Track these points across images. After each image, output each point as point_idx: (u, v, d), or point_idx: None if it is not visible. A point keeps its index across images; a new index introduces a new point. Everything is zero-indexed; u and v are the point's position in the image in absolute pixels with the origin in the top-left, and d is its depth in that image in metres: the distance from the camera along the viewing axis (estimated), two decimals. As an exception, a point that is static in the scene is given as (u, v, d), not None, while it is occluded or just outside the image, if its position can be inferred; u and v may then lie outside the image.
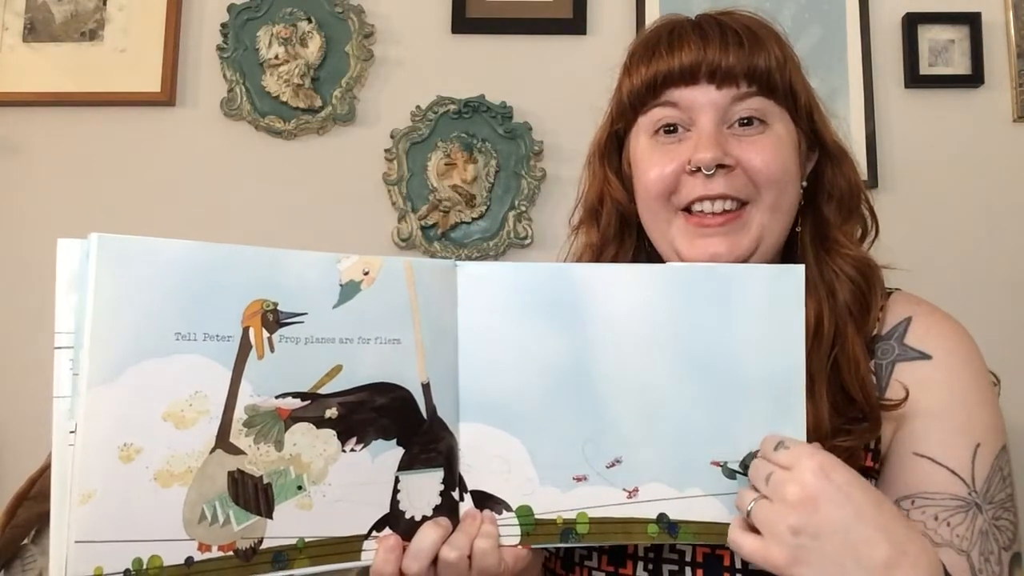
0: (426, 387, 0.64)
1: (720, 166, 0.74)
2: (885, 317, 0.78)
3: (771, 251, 0.78)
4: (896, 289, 0.82)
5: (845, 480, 0.57)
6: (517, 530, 0.65)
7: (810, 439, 0.68)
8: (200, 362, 0.55)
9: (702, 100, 0.75)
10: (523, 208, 1.60)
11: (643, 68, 0.78)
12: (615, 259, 0.83)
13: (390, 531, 0.62)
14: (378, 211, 1.62)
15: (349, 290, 0.61)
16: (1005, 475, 0.72)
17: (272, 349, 0.58)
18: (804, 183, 0.81)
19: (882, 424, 0.72)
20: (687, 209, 0.76)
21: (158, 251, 0.55)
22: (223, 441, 0.56)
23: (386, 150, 1.62)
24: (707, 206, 0.75)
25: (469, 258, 1.58)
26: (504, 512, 0.65)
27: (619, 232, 0.84)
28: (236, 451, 0.57)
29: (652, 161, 0.77)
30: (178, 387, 0.55)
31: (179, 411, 0.55)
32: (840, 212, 0.81)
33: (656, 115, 0.78)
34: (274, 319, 0.58)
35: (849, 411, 0.72)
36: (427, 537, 0.62)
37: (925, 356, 0.74)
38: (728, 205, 0.75)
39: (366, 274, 0.62)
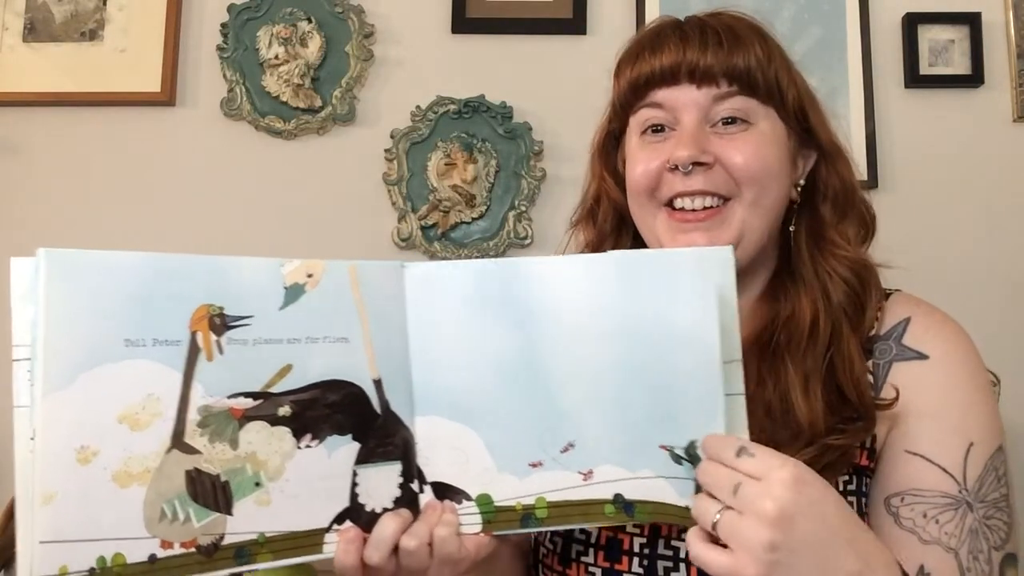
0: (378, 383, 0.65)
1: (699, 164, 0.76)
2: (884, 317, 0.78)
3: (754, 247, 0.78)
4: (896, 290, 0.82)
5: (819, 494, 0.56)
6: (478, 518, 0.66)
7: (804, 437, 0.70)
8: (151, 367, 0.57)
9: (684, 100, 0.77)
10: (523, 208, 1.60)
11: (628, 71, 0.81)
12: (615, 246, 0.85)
13: (351, 524, 0.64)
14: (378, 211, 1.62)
15: (294, 292, 0.63)
16: (1000, 475, 0.72)
17: (221, 351, 0.60)
18: (802, 182, 0.82)
19: (876, 423, 0.73)
20: (670, 204, 0.78)
21: (105, 263, 0.57)
22: (179, 441, 0.58)
23: (386, 150, 1.62)
24: (687, 202, 0.77)
25: (470, 258, 1.58)
26: (464, 501, 0.66)
27: (615, 228, 0.87)
28: (192, 451, 0.59)
29: (638, 159, 0.80)
30: (131, 391, 0.57)
31: (133, 414, 0.57)
32: (835, 211, 0.81)
33: (643, 116, 0.80)
34: (221, 323, 0.60)
35: (844, 410, 0.72)
36: (387, 527, 0.63)
37: (922, 356, 0.75)
38: (708, 201, 0.76)
39: (310, 276, 0.64)
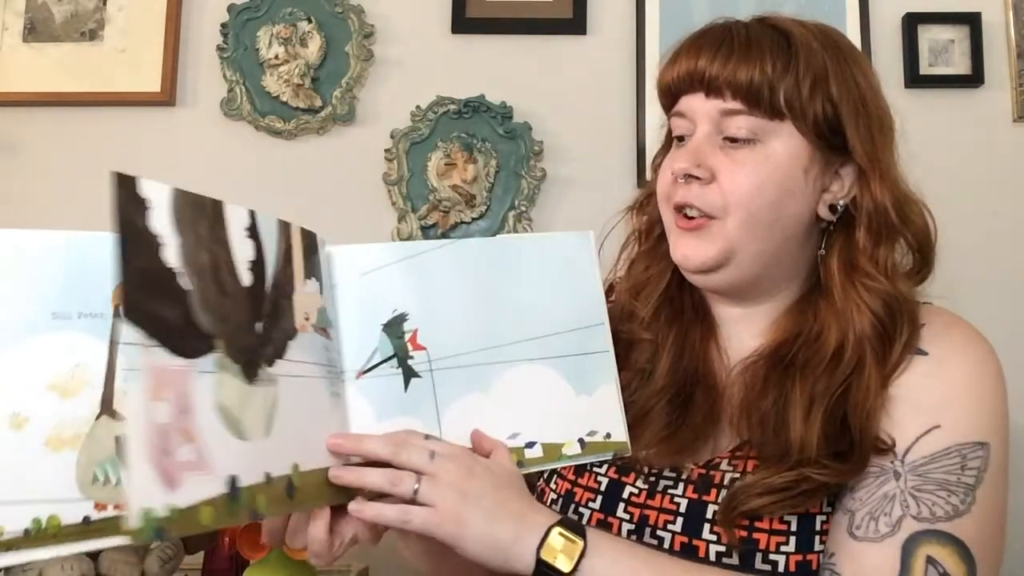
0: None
1: (694, 177, 0.76)
2: None
3: (754, 265, 0.77)
4: (927, 302, 0.79)
5: (484, 460, 0.71)
6: None
7: (791, 459, 0.69)
8: (79, 338, 0.60)
9: (698, 109, 0.78)
10: (523, 208, 1.60)
11: (661, 75, 0.82)
12: (658, 241, 0.86)
13: None
14: (378, 211, 1.62)
15: None
16: (970, 466, 0.68)
17: None
18: (841, 202, 0.77)
19: (866, 466, 0.69)
20: (678, 209, 0.79)
21: (30, 242, 0.60)
22: (108, 408, 0.60)
23: (386, 150, 1.62)
24: (686, 211, 0.78)
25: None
26: None
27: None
28: (121, 417, 0.60)
29: (663, 167, 0.82)
30: (59, 361, 0.59)
31: (62, 382, 0.59)
32: (870, 236, 0.76)
33: (673, 124, 0.81)
34: None
35: (838, 444, 0.70)
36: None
37: (922, 353, 0.73)
38: (694, 212, 0.77)
39: None
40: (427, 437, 0.70)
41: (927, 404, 0.70)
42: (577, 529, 0.67)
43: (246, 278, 0.62)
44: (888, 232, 0.76)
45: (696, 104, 0.77)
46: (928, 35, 1.60)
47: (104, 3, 1.67)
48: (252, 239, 0.64)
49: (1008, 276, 1.55)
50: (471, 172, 1.60)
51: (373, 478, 0.67)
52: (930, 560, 0.65)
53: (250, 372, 0.60)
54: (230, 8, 1.65)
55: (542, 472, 0.89)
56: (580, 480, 0.81)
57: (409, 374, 0.73)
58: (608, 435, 0.77)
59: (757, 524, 0.70)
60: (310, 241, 0.71)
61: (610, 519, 0.77)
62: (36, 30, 1.67)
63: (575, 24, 1.63)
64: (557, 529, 0.66)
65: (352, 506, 0.67)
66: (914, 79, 1.59)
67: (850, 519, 0.68)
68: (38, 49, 1.66)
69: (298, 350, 0.66)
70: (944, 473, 0.68)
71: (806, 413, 0.71)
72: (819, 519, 0.70)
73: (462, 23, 1.64)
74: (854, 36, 1.59)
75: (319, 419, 0.67)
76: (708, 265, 0.77)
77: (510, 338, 0.76)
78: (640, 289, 0.86)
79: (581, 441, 0.77)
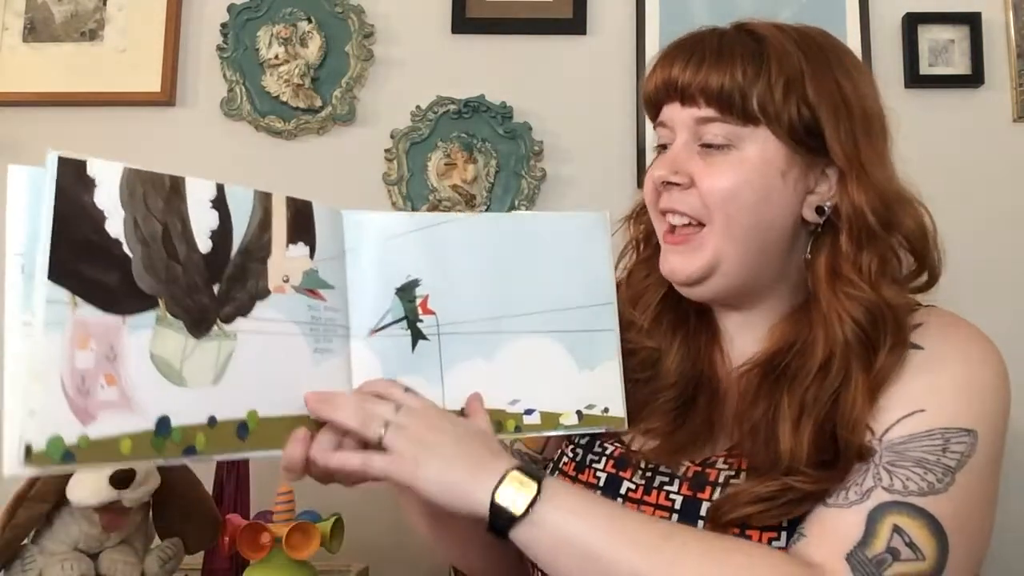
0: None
1: (673, 184, 0.77)
2: None
3: (737, 273, 0.77)
4: (930, 305, 0.78)
5: (453, 417, 0.74)
6: None
7: (780, 469, 0.69)
8: None
9: (676, 118, 0.79)
10: (523, 208, 1.60)
11: (643, 87, 0.83)
12: (656, 249, 0.86)
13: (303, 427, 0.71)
14: (378, 211, 1.61)
15: None
16: (952, 449, 0.67)
17: None
18: (827, 204, 0.76)
19: (849, 473, 0.69)
20: (664, 214, 0.81)
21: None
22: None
23: (386, 150, 1.62)
24: (672, 218, 0.79)
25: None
26: None
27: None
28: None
29: (648, 174, 0.83)
30: None
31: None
32: (851, 241, 0.75)
33: (658, 133, 0.82)
34: None
35: (824, 454, 0.70)
36: (331, 431, 0.71)
37: (918, 348, 0.72)
38: (682, 220, 0.78)
39: None
40: (407, 390, 0.73)
41: (915, 391, 0.70)
42: (534, 474, 0.67)
43: (204, 245, 0.67)
44: (869, 236, 0.74)
45: (674, 113, 0.79)
46: (928, 35, 1.60)
47: (104, 3, 1.67)
48: (217, 210, 0.69)
49: (1008, 276, 1.55)
50: (471, 172, 1.60)
51: (345, 413, 0.69)
52: (896, 529, 0.65)
53: (198, 328, 0.66)
54: (230, 8, 1.65)
55: (546, 466, 0.90)
56: (580, 476, 0.82)
57: (417, 336, 0.77)
58: (606, 409, 0.81)
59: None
60: (300, 209, 0.75)
61: (630, 452, 0.80)
62: (36, 30, 1.67)
63: (575, 24, 1.63)
64: (514, 472, 0.67)
65: (315, 453, 0.69)
66: (914, 79, 1.59)
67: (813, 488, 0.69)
68: (38, 49, 1.66)
69: (270, 309, 0.70)
70: (923, 452, 0.67)
71: (795, 424, 0.71)
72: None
73: (462, 23, 1.64)
74: (854, 36, 1.59)
75: (292, 371, 0.71)
76: (694, 277, 0.78)
77: (518, 310, 0.80)
78: (639, 297, 0.87)
79: (579, 413, 0.80)
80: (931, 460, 0.67)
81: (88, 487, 1.06)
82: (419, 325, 0.78)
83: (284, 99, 1.62)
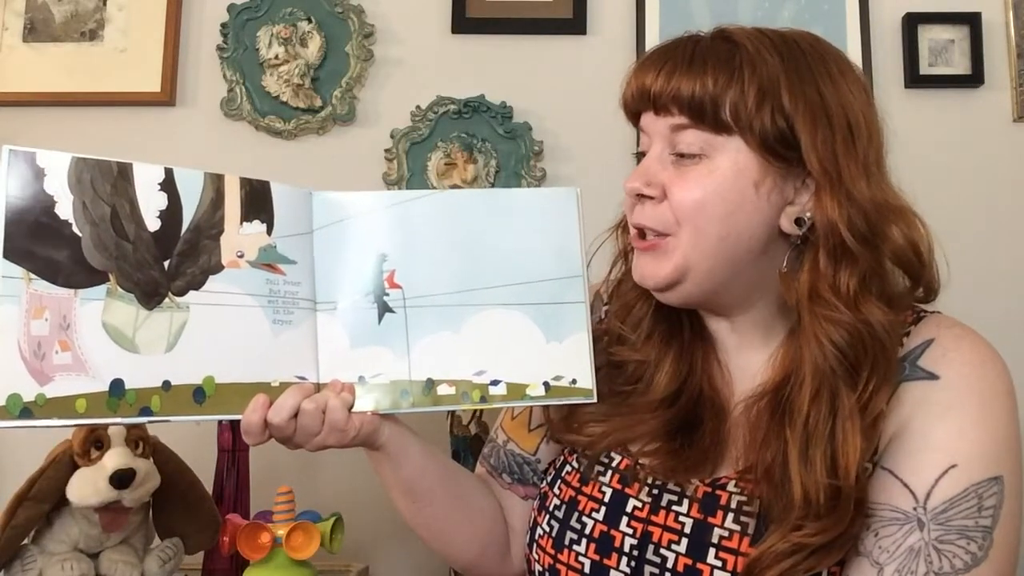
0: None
1: (644, 196, 0.77)
2: (909, 340, 0.74)
3: (711, 283, 0.76)
4: (935, 312, 0.77)
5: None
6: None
7: (794, 513, 0.67)
8: None
9: (651, 127, 0.78)
10: (523, 208, 1.60)
11: (621, 95, 0.83)
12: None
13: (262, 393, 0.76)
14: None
15: None
16: (985, 505, 0.66)
17: None
18: (807, 215, 0.73)
19: (851, 514, 0.67)
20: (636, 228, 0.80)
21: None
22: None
23: (386, 150, 1.62)
24: (644, 231, 0.79)
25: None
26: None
27: None
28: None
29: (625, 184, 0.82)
30: None
31: None
32: (829, 258, 0.71)
33: (640, 140, 0.82)
34: None
35: (834, 494, 0.67)
36: (290, 396, 0.76)
37: (932, 377, 0.70)
38: (649, 235, 0.78)
39: None
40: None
41: (941, 440, 0.68)
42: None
43: (153, 224, 0.73)
44: (845, 253, 0.71)
45: (649, 122, 0.79)
46: (928, 35, 1.60)
47: (104, 3, 1.67)
48: (165, 191, 0.75)
49: (1007, 276, 1.55)
50: (471, 172, 1.60)
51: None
52: None
53: (149, 300, 0.72)
54: (230, 8, 1.65)
55: (545, 475, 0.90)
56: (584, 488, 0.81)
57: (384, 309, 0.81)
58: (574, 381, 0.81)
59: None
60: (256, 188, 0.80)
61: (613, 531, 0.77)
62: (36, 30, 1.67)
63: (575, 24, 1.63)
64: None
65: (272, 416, 0.75)
66: (914, 79, 1.59)
67: (879, 574, 0.67)
68: (38, 49, 1.66)
69: (223, 282, 0.76)
70: (963, 519, 0.66)
71: (803, 461, 0.69)
72: None
73: (462, 23, 1.64)
74: (854, 36, 1.59)
75: (249, 341, 0.76)
76: (663, 283, 0.77)
77: (486, 283, 0.82)
78: (629, 309, 0.86)
79: (546, 384, 0.81)
80: (971, 526, 0.66)
81: (88, 487, 1.06)
82: (385, 298, 0.81)
83: (284, 99, 1.62)
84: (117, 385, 0.69)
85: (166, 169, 0.75)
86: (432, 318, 0.81)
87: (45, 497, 1.08)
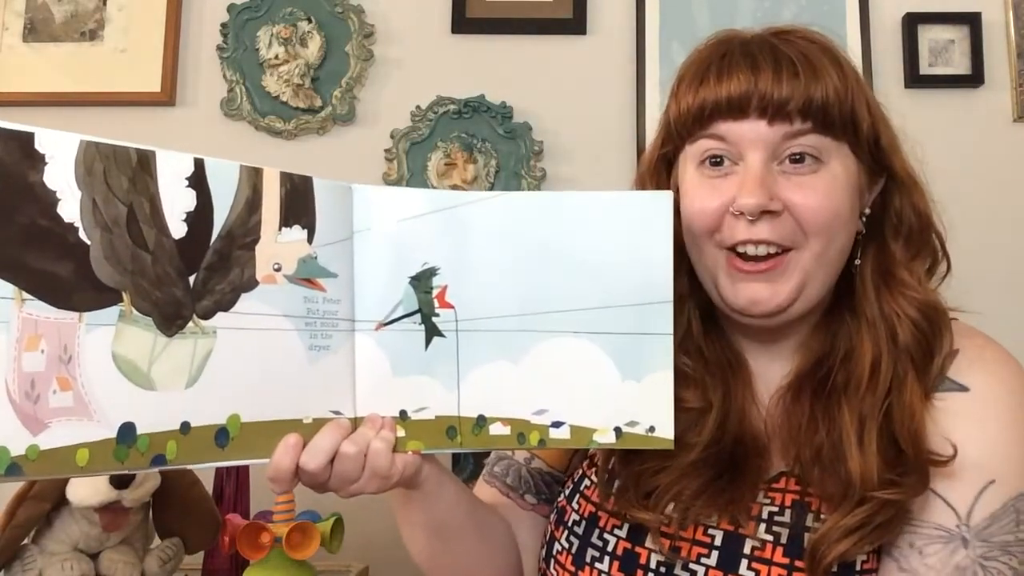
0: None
1: (766, 212, 0.70)
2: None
3: (816, 297, 0.73)
4: (953, 319, 0.76)
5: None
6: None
7: (855, 493, 0.67)
8: None
9: (751, 136, 0.71)
10: (523, 208, 1.60)
11: (690, 96, 0.73)
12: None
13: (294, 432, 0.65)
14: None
15: None
16: (1023, 520, 0.67)
17: None
18: (867, 211, 0.75)
19: (930, 480, 0.67)
20: (732, 248, 0.72)
21: None
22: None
23: (386, 150, 1.62)
24: (751, 249, 0.71)
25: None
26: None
27: None
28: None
29: (696, 195, 0.74)
30: None
31: None
32: (908, 248, 0.75)
33: (703, 146, 0.74)
34: None
35: (898, 463, 0.67)
36: (327, 436, 0.65)
37: (963, 389, 0.70)
38: (772, 249, 0.71)
39: None
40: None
41: (978, 455, 0.68)
42: None
43: (178, 230, 0.59)
44: (924, 241, 0.76)
45: (747, 130, 0.71)
46: (928, 35, 1.60)
47: (104, 3, 1.67)
48: (194, 188, 0.60)
49: (1008, 276, 1.55)
50: (471, 172, 1.60)
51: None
52: None
53: (169, 325, 0.58)
54: (230, 8, 1.65)
55: (562, 488, 0.85)
56: (606, 503, 0.76)
57: (432, 332, 0.69)
58: (651, 428, 0.69)
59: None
60: (298, 185, 0.66)
61: (638, 548, 0.74)
62: (36, 30, 1.67)
63: (575, 24, 1.63)
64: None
65: (306, 460, 0.65)
66: (914, 79, 1.59)
67: None
68: (38, 49, 1.66)
69: (257, 302, 0.63)
70: (1005, 534, 0.67)
71: (859, 438, 0.68)
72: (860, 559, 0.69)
73: (462, 23, 1.64)
74: (854, 36, 1.59)
75: (282, 371, 0.64)
76: (784, 306, 0.72)
77: (554, 306, 0.69)
78: (690, 338, 0.77)
79: (618, 430, 0.69)
80: (1011, 540, 0.67)
81: (88, 487, 1.06)
82: (435, 320, 0.69)
83: (284, 99, 1.62)
84: (127, 430, 0.56)
85: (196, 160, 0.60)
86: (488, 345, 0.69)
87: (45, 496, 1.08)
